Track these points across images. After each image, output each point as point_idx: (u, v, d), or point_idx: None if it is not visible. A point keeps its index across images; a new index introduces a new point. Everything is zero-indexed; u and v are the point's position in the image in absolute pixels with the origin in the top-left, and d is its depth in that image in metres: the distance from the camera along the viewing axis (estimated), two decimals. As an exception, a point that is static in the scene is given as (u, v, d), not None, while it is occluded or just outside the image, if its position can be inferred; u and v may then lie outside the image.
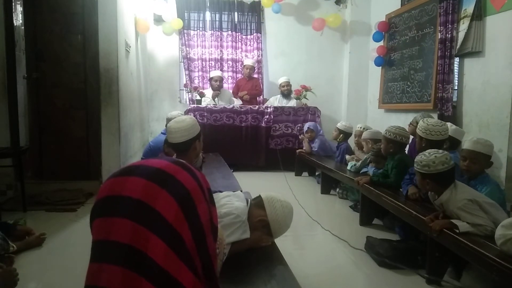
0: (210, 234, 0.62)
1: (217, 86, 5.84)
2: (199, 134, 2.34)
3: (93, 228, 0.59)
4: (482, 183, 2.43)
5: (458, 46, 3.93)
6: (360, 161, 3.84)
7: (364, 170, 3.78)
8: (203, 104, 5.66)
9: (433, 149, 2.29)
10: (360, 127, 4.25)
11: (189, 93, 6.18)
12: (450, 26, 4.03)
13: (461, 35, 3.91)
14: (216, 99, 5.80)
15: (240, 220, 1.61)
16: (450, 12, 4.02)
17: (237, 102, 6.00)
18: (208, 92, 5.96)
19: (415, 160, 2.29)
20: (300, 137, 5.38)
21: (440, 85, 4.16)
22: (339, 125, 4.75)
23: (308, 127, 5.22)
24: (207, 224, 0.61)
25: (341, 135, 4.68)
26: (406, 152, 3.95)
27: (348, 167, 3.96)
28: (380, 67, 5.74)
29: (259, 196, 1.80)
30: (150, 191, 0.57)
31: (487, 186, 2.41)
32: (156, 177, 0.59)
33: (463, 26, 3.87)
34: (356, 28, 6.45)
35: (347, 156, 4.34)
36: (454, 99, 4.12)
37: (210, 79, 5.92)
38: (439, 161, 2.15)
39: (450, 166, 2.18)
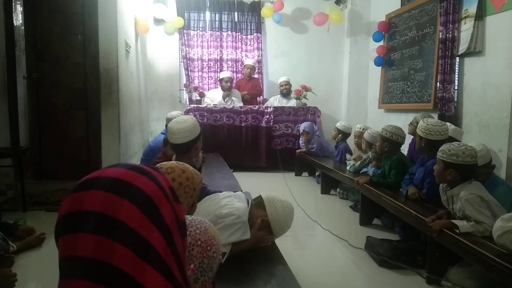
0: (177, 232, 0.63)
1: (228, 87, 5.82)
2: (200, 134, 2.35)
3: (59, 246, 0.59)
4: (492, 187, 2.39)
5: (467, 45, 3.86)
6: (359, 161, 3.85)
7: (364, 170, 3.78)
8: (204, 104, 5.66)
9: (462, 142, 2.32)
10: (360, 128, 4.26)
11: (189, 93, 6.18)
12: (450, 26, 4.02)
13: (464, 35, 3.89)
14: (226, 99, 5.79)
15: (241, 221, 1.61)
16: (451, 12, 4.02)
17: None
18: (215, 92, 5.96)
19: (440, 149, 2.27)
20: (301, 143, 5.35)
21: (441, 85, 4.15)
22: (338, 125, 4.75)
23: (303, 129, 5.19)
24: (173, 224, 0.62)
25: (339, 135, 4.68)
26: (406, 152, 3.97)
27: (348, 167, 3.97)
28: (380, 67, 5.74)
29: (260, 196, 1.80)
30: (111, 202, 0.57)
31: (499, 188, 2.39)
32: (115, 188, 0.58)
33: (466, 26, 3.86)
34: (356, 28, 6.44)
35: (348, 156, 4.34)
36: (454, 99, 4.11)
37: (221, 80, 5.90)
38: (469, 153, 2.15)
39: (476, 161, 2.18)
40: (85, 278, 0.54)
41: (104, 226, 0.56)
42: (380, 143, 3.28)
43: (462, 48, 3.93)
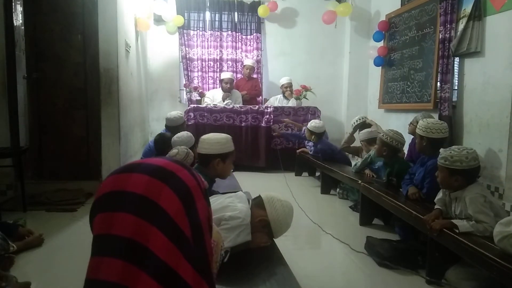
0: (208, 231, 0.64)
1: (228, 88, 5.83)
2: (225, 154, 2.23)
3: (95, 223, 0.60)
4: None
5: (459, 45, 3.89)
6: (361, 160, 3.84)
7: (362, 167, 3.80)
8: (204, 104, 5.66)
9: (460, 146, 2.27)
10: (355, 121, 4.29)
11: (189, 93, 6.17)
12: (449, 26, 4.02)
13: (458, 35, 3.91)
14: (226, 101, 5.78)
15: (245, 224, 1.61)
16: (450, 12, 4.02)
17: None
18: (216, 92, 5.96)
19: (440, 156, 2.22)
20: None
21: (442, 85, 4.15)
22: (308, 126, 4.76)
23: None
24: (205, 221, 0.64)
25: (313, 136, 4.71)
26: (406, 152, 3.97)
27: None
28: (380, 67, 5.74)
29: (259, 196, 1.80)
30: (153, 187, 0.59)
31: None
32: (158, 174, 0.60)
33: (461, 26, 3.87)
34: (356, 28, 6.45)
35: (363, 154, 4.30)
36: (454, 99, 4.11)
37: (221, 80, 5.91)
38: (472, 157, 2.13)
39: (479, 163, 2.17)
40: (120, 257, 0.55)
41: (144, 208, 0.57)
42: (379, 146, 3.28)
43: (455, 48, 3.94)
